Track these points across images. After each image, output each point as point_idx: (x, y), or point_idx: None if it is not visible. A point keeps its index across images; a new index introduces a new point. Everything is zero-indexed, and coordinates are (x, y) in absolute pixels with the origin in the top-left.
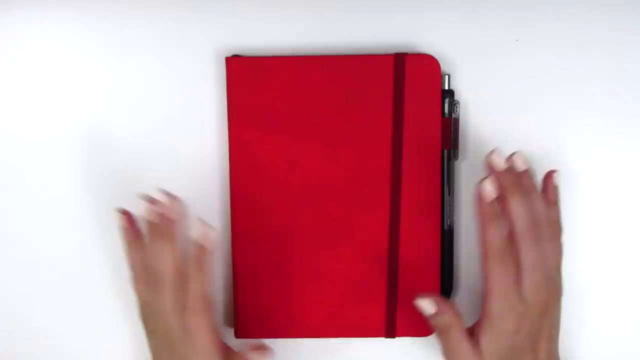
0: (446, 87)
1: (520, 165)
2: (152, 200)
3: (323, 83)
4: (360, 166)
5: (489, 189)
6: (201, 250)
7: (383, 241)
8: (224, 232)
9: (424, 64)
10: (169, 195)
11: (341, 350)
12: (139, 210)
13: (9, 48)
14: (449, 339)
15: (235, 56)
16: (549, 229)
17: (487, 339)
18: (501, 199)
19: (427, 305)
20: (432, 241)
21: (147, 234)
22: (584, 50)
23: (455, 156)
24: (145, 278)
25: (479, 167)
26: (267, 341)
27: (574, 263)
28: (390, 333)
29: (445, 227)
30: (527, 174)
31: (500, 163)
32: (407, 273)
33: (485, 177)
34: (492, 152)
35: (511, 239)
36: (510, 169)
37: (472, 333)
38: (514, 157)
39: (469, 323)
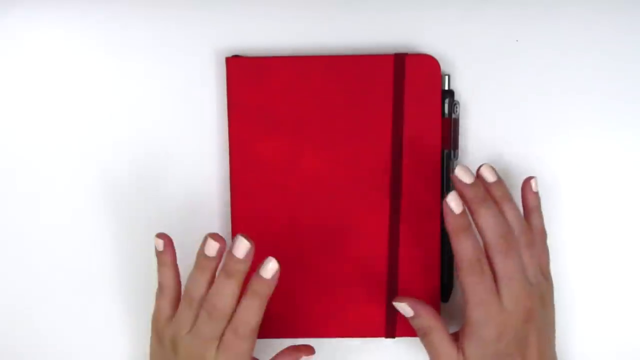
0: (446, 88)
1: (488, 177)
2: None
3: (323, 83)
4: (360, 166)
5: (453, 205)
6: (266, 283)
7: (383, 241)
8: (224, 232)
9: (424, 64)
10: (247, 240)
11: (341, 351)
12: (212, 248)
13: (9, 48)
14: (431, 342)
15: (236, 56)
16: (525, 237)
17: (471, 347)
18: (471, 213)
19: (404, 308)
20: (432, 241)
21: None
22: (584, 50)
23: (455, 156)
24: (188, 302)
25: None
26: (267, 341)
27: (576, 266)
28: (390, 333)
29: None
30: (497, 184)
31: (465, 177)
32: (407, 273)
33: (449, 193)
34: (457, 167)
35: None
36: (478, 183)
37: (457, 339)
38: (481, 170)
39: (459, 327)
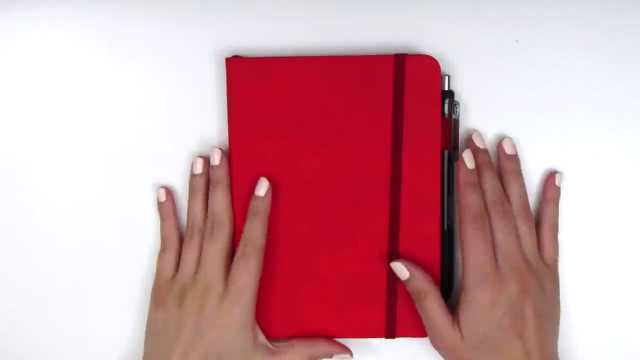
0: (446, 88)
1: (507, 149)
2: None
3: (323, 84)
4: (360, 167)
5: (467, 159)
6: (262, 200)
7: (383, 241)
8: None
9: (424, 65)
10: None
11: None
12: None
13: (9, 48)
14: (426, 307)
15: (236, 57)
16: (525, 212)
17: (465, 313)
18: (478, 174)
19: (400, 268)
20: (432, 241)
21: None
22: (584, 50)
23: (455, 157)
24: (190, 234)
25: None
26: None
27: (576, 266)
28: (390, 333)
29: (445, 227)
30: (512, 158)
31: (479, 142)
32: None
33: (465, 150)
34: (474, 133)
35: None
36: (487, 151)
37: (453, 312)
38: (503, 142)
39: None
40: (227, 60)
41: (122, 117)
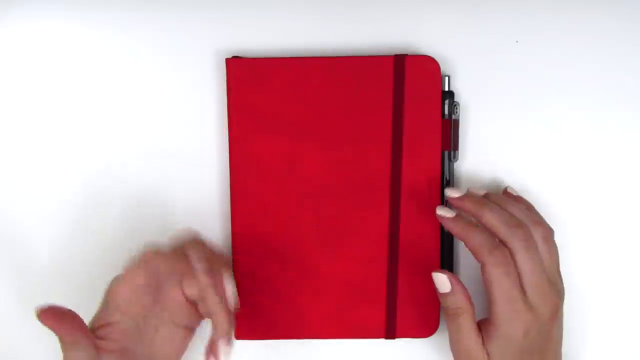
0: (446, 89)
1: (477, 192)
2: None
3: (323, 84)
4: (360, 167)
5: (443, 212)
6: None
7: (383, 241)
8: (224, 232)
9: (424, 65)
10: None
11: (341, 352)
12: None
13: (9, 48)
14: (458, 326)
15: (236, 57)
16: (538, 229)
17: (495, 343)
18: (478, 219)
19: (443, 281)
20: (432, 241)
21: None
22: (584, 50)
23: (455, 157)
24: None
25: (479, 169)
26: (268, 342)
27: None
28: (390, 334)
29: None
30: (489, 194)
31: (454, 193)
32: (407, 274)
33: (437, 207)
34: (445, 189)
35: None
36: (470, 192)
37: (480, 331)
38: (468, 189)
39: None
40: (227, 60)
41: (122, 117)
